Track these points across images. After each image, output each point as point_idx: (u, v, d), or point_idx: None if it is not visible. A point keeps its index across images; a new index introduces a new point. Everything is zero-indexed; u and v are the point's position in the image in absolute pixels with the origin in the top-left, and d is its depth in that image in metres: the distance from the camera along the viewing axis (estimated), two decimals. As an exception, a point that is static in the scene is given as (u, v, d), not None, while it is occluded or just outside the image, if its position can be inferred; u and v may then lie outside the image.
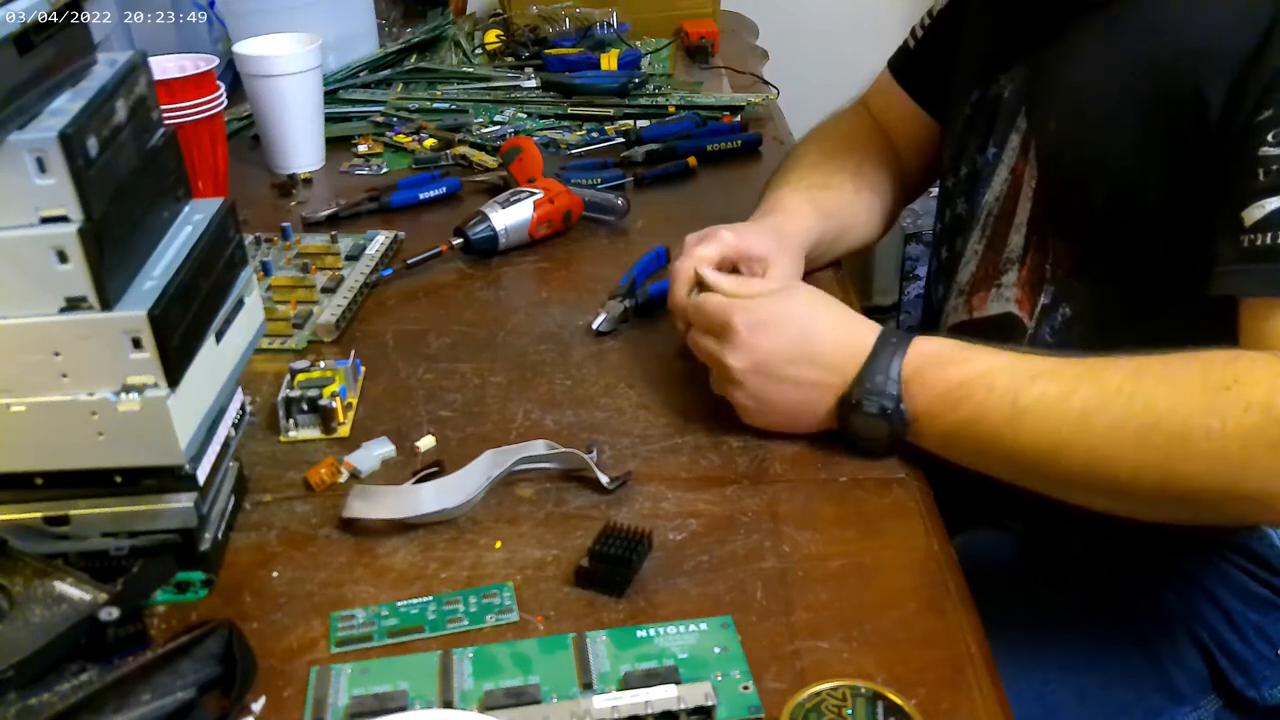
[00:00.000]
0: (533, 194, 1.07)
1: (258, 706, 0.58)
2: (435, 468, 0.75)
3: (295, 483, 0.75)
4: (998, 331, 0.88)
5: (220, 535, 0.68)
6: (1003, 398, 0.68)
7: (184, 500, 0.64)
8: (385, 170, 1.27)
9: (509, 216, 1.05)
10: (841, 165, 1.01)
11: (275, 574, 0.67)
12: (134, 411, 0.60)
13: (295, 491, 0.75)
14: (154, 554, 0.64)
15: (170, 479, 0.64)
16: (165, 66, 1.12)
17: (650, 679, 0.58)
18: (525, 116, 1.40)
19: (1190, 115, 0.74)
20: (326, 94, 1.32)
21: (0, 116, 0.54)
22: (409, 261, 1.01)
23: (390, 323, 0.96)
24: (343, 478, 0.75)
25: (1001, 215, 0.89)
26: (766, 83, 1.57)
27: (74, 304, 0.58)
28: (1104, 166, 0.80)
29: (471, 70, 1.53)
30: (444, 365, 0.89)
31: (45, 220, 0.56)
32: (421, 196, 1.17)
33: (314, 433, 0.80)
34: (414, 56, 1.58)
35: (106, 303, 0.58)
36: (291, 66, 1.22)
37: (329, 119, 1.33)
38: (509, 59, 1.59)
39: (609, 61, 1.52)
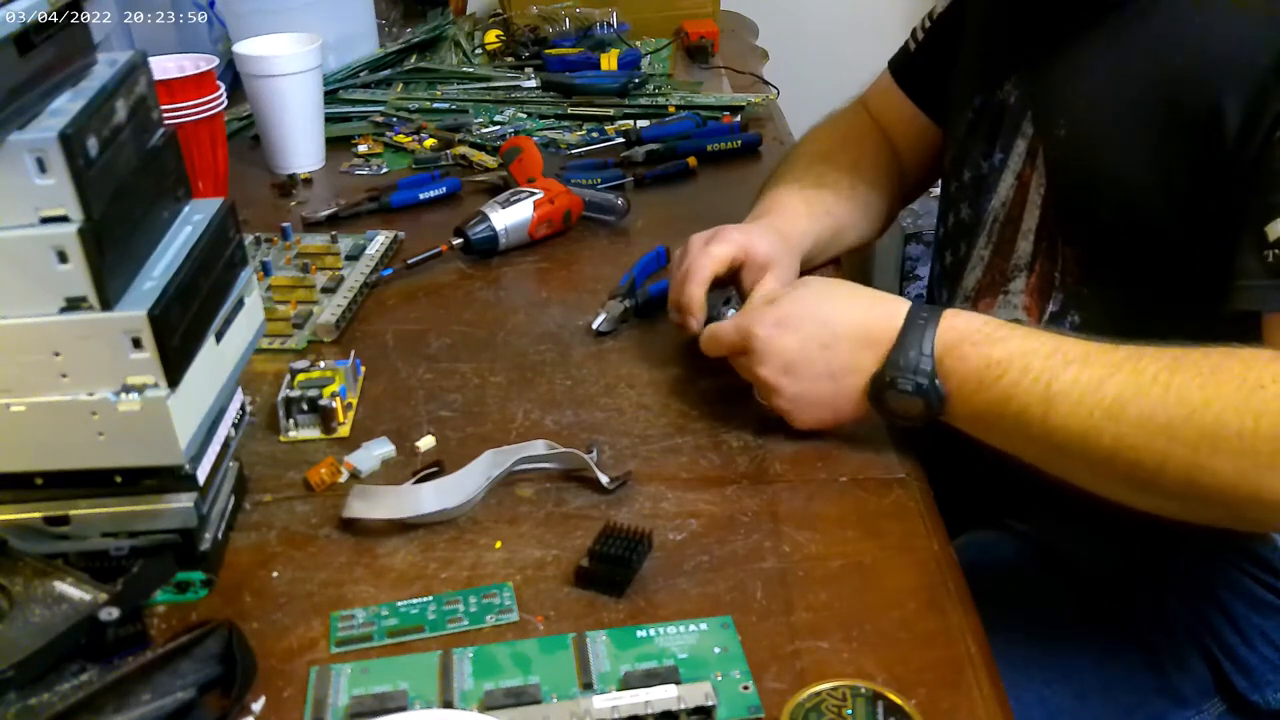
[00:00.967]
0: (533, 194, 1.07)
1: (258, 706, 0.58)
2: (435, 468, 0.75)
3: (295, 483, 0.75)
4: None
5: (220, 535, 0.68)
6: (1036, 381, 0.68)
7: (184, 500, 0.64)
8: (385, 170, 1.27)
9: (509, 216, 1.05)
10: (838, 164, 1.01)
11: (275, 574, 0.67)
12: (134, 411, 0.60)
13: (295, 491, 0.75)
14: (154, 554, 0.64)
15: (170, 479, 0.64)
16: (165, 66, 1.12)
17: (650, 679, 0.58)
18: (525, 116, 1.40)
19: (1205, 128, 0.73)
20: (326, 94, 1.32)
21: (0, 116, 0.54)
22: (409, 261, 1.01)
23: (390, 323, 0.96)
24: (343, 478, 0.75)
25: (1008, 221, 0.89)
26: (766, 83, 1.57)
27: (74, 304, 0.58)
28: (1113, 176, 0.79)
29: (471, 70, 1.53)
30: (444, 365, 0.89)
31: (45, 220, 0.56)
32: (421, 196, 1.17)
33: (314, 433, 0.80)
34: (414, 56, 1.58)
35: (106, 303, 0.58)
36: (291, 66, 1.22)
37: (329, 119, 1.33)
38: (509, 59, 1.59)
39: (609, 61, 1.52)
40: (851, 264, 1.06)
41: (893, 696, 0.56)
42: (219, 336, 0.66)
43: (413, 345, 0.92)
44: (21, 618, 0.59)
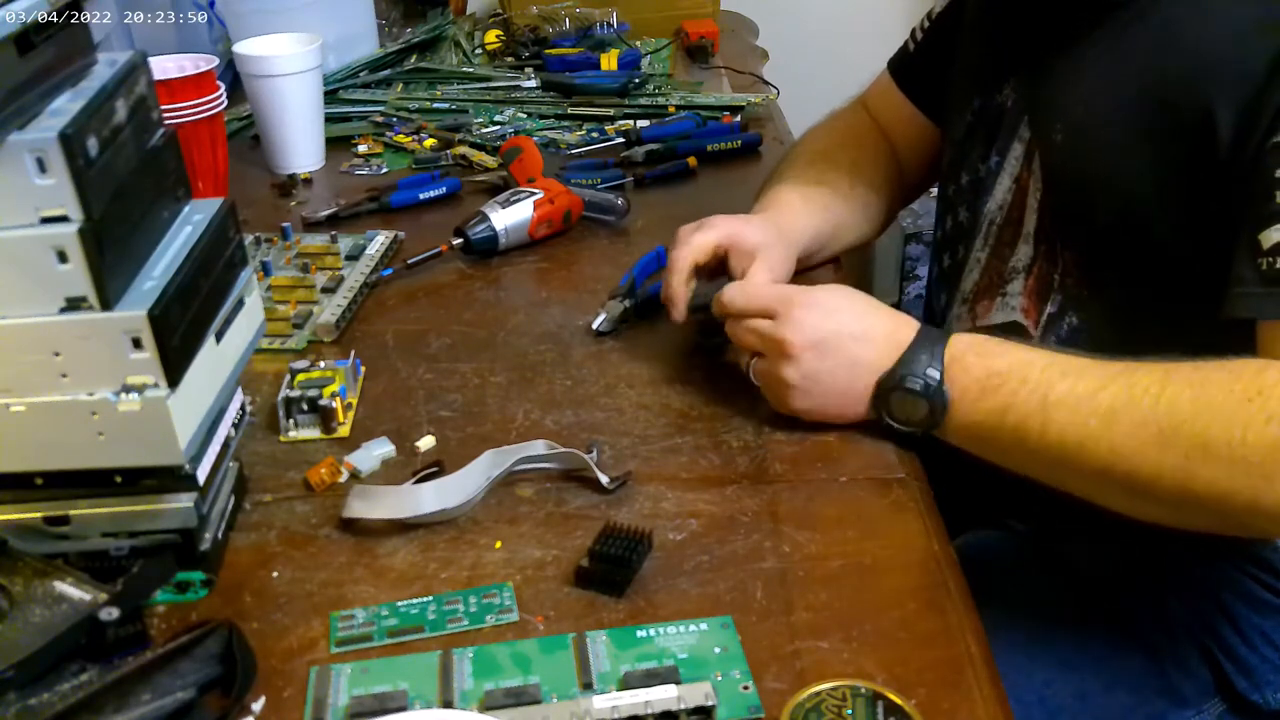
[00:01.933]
0: (533, 194, 1.07)
1: (258, 706, 0.58)
2: (435, 468, 0.75)
3: (295, 483, 0.75)
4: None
5: (220, 535, 0.68)
6: (1034, 391, 0.69)
7: (184, 500, 0.64)
8: (385, 170, 1.27)
9: (509, 216, 1.05)
10: (837, 163, 1.01)
11: (275, 574, 0.67)
12: (134, 411, 0.60)
13: (295, 491, 0.75)
14: (154, 554, 0.64)
15: (170, 479, 0.64)
16: (165, 66, 1.12)
17: (650, 679, 0.58)
18: (525, 116, 1.40)
19: (1197, 132, 0.73)
20: (326, 94, 1.32)
21: (0, 116, 0.54)
22: (409, 261, 1.01)
23: (390, 323, 0.96)
24: (343, 478, 0.75)
25: (1006, 224, 0.89)
26: (766, 83, 1.57)
27: (74, 304, 0.58)
28: (1109, 179, 0.80)
29: (471, 70, 1.53)
30: (444, 365, 0.89)
31: (45, 220, 0.56)
32: (421, 196, 1.17)
33: (314, 433, 0.80)
34: (414, 56, 1.58)
35: (106, 303, 0.58)
36: (291, 66, 1.22)
37: (329, 119, 1.33)
38: (509, 59, 1.59)
39: (609, 61, 1.52)
40: (852, 264, 1.06)
41: (893, 696, 0.56)
42: (219, 336, 0.66)
43: (413, 345, 0.92)
44: (21, 618, 0.59)
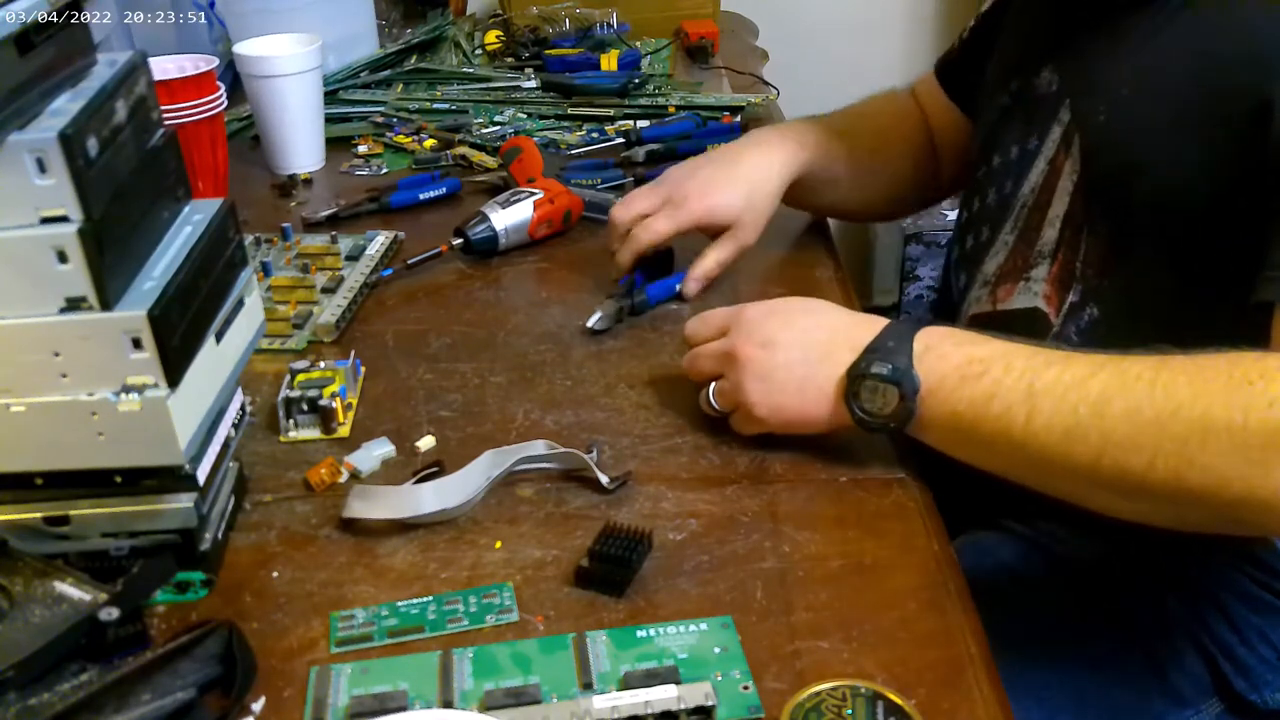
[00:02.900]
0: (533, 194, 1.07)
1: (258, 706, 0.58)
2: (435, 468, 0.75)
3: (295, 483, 0.75)
4: (1022, 326, 0.86)
5: (220, 535, 0.68)
6: (1020, 378, 0.67)
7: (184, 500, 0.64)
8: (385, 170, 1.27)
9: (509, 216, 1.05)
10: (876, 124, 1.05)
11: (275, 574, 0.67)
12: (134, 411, 0.60)
13: (295, 491, 0.75)
14: (154, 554, 0.64)
15: (170, 479, 0.64)
16: (165, 67, 1.12)
17: (650, 679, 0.58)
18: (525, 117, 1.40)
19: (1252, 121, 0.71)
20: (326, 94, 1.32)
21: (0, 116, 0.54)
22: (409, 262, 1.01)
23: (390, 323, 0.96)
24: (343, 478, 0.75)
25: (1036, 207, 0.88)
26: (766, 83, 1.57)
27: (74, 304, 0.58)
28: (1151, 163, 0.78)
29: (471, 71, 1.53)
30: (444, 365, 0.89)
31: (45, 220, 0.56)
32: (421, 197, 1.17)
33: (314, 433, 0.80)
34: (414, 57, 1.58)
35: (106, 303, 0.58)
36: (291, 67, 1.22)
37: (329, 119, 1.33)
38: (509, 59, 1.59)
39: (609, 62, 1.52)
40: (852, 264, 1.07)
41: (893, 696, 0.56)
42: (219, 336, 0.66)
43: (413, 345, 0.92)
44: (21, 618, 0.59)
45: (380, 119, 1.39)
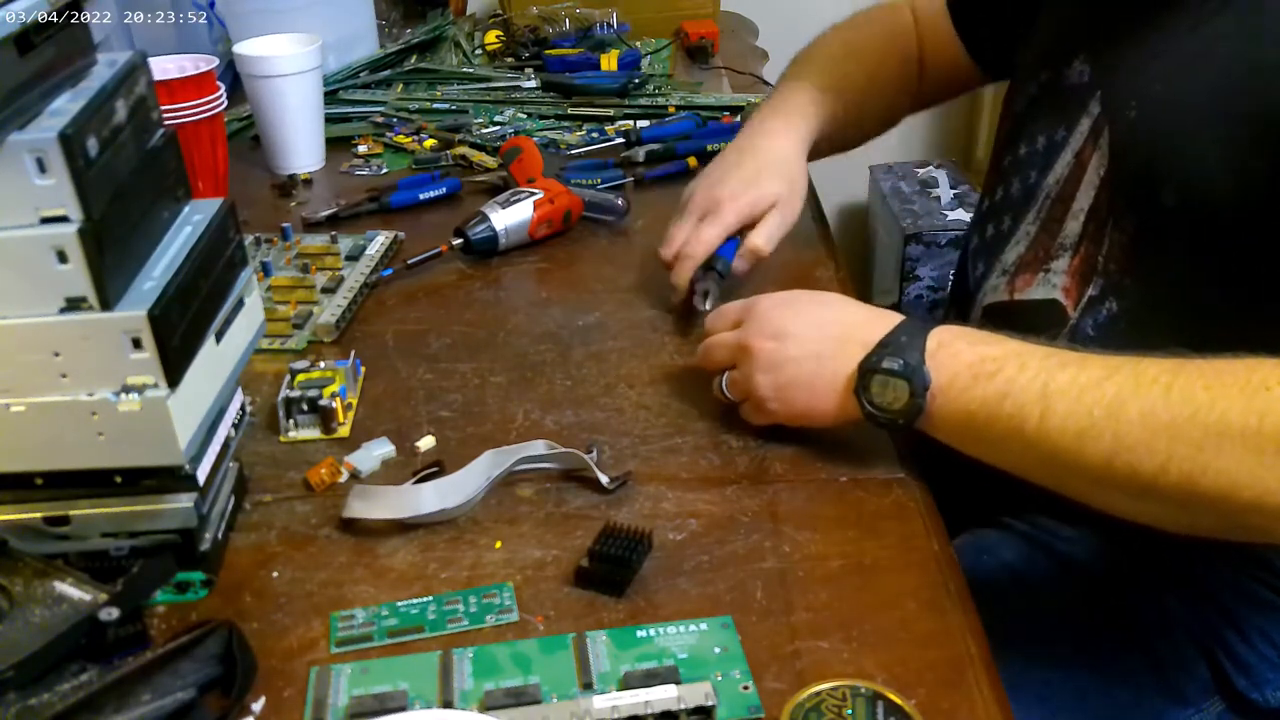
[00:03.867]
0: (533, 194, 1.07)
1: (258, 706, 0.58)
2: (435, 468, 0.75)
3: (295, 483, 0.75)
4: (1038, 317, 0.86)
5: (220, 535, 0.68)
6: (1035, 378, 0.67)
7: (184, 500, 0.64)
8: (385, 170, 1.27)
9: (509, 216, 1.05)
10: (869, 65, 1.08)
11: (275, 574, 0.67)
12: (134, 411, 0.60)
13: (295, 491, 0.75)
14: (154, 554, 0.64)
15: (170, 479, 0.64)
16: (165, 67, 1.12)
17: (650, 679, 0.58)
18: (525, 117, 1.40)
19: None
20: (326, 94, 1.32)
21: (0, 116, 0.54)
22: (409, 262, 1.01)
23: (390, 323, 0.96)
24: (343, 478, 0.75)
25: (1060, 199, 0.87)
26: (766, 83, 1.57)
27: (74, 304, 0.58)
28: (1183, 161, 0.77)
29: (471, 71, 1.53)
30: (444, 365, 0.89)
31: (45, 220, 0.56)
32: (421, 197, 1.17)
33: (314, 433, 0.80)
34: (414, 57, 1.58)
35: (106, 303, 0.58)
36: (291, 67, 1.22)
37: (329, 119, 1.33)
38: (509, 59, 1.59)
39: (609, 62, 1.52)
40: (852, 264, 1.07)
41: (893, 696, 0.56)
42: (219, 336, 0.66)
43: (413, 345, 0.92)
44: (21, 618, 0.59)
45: (380, 119, 1.39)
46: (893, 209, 2.28)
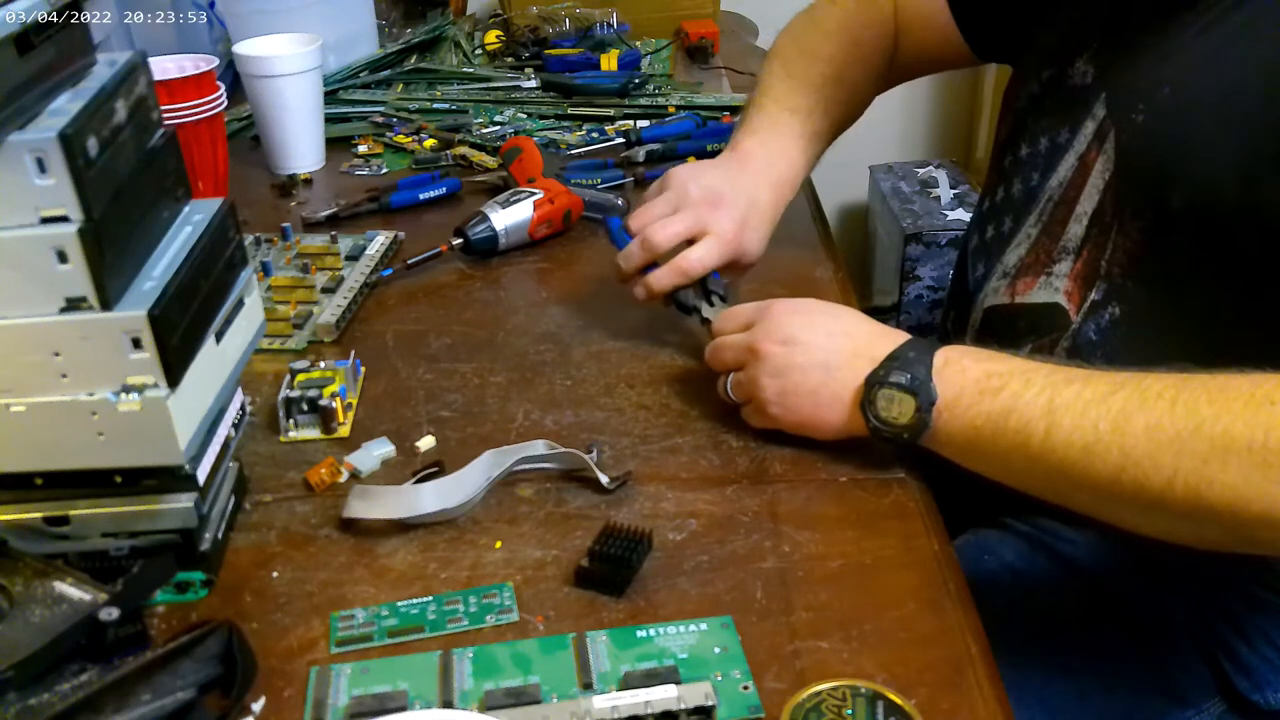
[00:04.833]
0: (533, 194, 1.07)
1: (258, 706, 0.58)
2: (435, 468, 0.75)
3: (295, 483, 0.75)
4: (1040, 320, 0.86)
5: (220, 535, 0.68)
6: (1039, 394, 0.67)
7: (184, 500, 0.64)
8: (385, 170, 1.27)
9: (509, 216, 1.05)
10: (850, 79, 1.03)
11: (275, 574, 0.67)
12: (134, 411, 0.60)
13: (295, 491, 0.75)
14: (154, 554, 0.64)
15: (170, 479, 0.64)
16: (165, 67, 1.12)
17: (650, 679, 0.58)
18: (525, 117, 1.40)
19: None
20: (326, 94, 1.32)
21: (0, 116, 0.54)
22: (409, 261, 1.02)
23: (390, 323, 0.96)
24: (343, 478, 0.75)
25: (1063, 202, 0.87)
26: (766, 83, 1.57)
27: (74, 304, 0.58)
28: (1192, 166, 0.77)
29: (471, 71, 1.53)
30: (444, 365, 0.89)
31: (45, 220, 0.56)
32: (421, 197, 1.17)
33: (314, 433, 0.80)
34: (414, 57, 1.58)
35: (106, 303, 0.58)
36: (291, 67, 1.22)
37: (329, 119, 1.33)
38: (509, 59, 1.59)
39: (609, 62, 1.52)
40: (852, 264, 1.07)
41: (893, 696, 0.56)
42: (219, 336, 0.66)
43: (413, 345, 0.92)
44: (21, 618, 0.59)
45: (380, 119, 1.39)
46: (893, 209, 2.28)
